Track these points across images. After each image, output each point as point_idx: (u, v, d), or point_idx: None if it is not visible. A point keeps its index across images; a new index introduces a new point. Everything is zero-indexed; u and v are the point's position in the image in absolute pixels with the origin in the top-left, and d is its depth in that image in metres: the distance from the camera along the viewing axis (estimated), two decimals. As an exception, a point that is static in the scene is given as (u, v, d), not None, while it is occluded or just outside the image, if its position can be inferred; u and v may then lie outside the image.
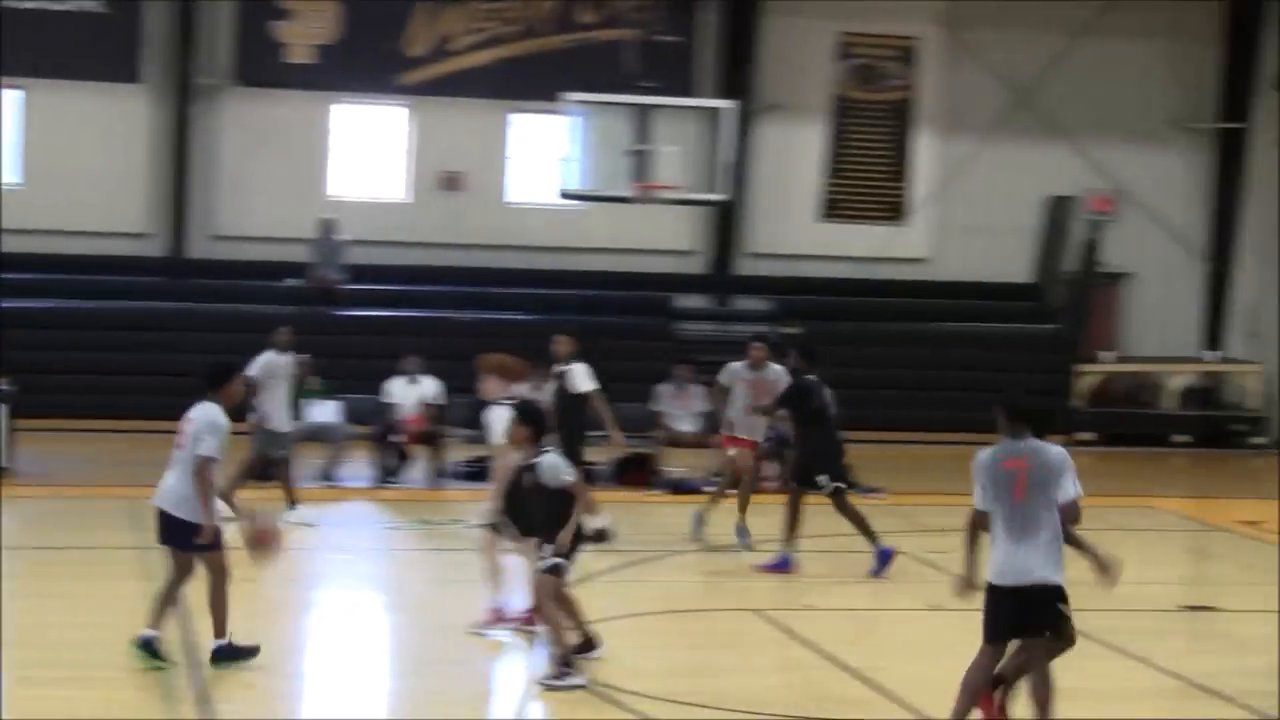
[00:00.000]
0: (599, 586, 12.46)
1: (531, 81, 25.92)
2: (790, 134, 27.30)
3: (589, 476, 16.89)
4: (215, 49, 25.81)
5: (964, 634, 12.93)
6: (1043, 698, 10.29)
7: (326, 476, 20.05)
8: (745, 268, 27.22)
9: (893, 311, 27.05)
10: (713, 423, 20.70)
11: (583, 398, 17.67)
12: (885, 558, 15.97)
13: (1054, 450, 10.13)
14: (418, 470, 20.66)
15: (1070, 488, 10.05)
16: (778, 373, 17.11)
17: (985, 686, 10.51)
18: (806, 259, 27.47)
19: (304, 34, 25.93)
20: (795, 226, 27.37)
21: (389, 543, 17.67)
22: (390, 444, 20.36)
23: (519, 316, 25.28)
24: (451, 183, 26.42)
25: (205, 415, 11.98)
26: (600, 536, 14.31)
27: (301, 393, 20.59)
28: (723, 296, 27.02)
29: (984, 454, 10.18)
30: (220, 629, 11.71)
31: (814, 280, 27.33)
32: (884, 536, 16.74)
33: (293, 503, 17.43)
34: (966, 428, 19.00)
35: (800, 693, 12.16)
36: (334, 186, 26.51)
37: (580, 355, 17.82)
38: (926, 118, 27.72)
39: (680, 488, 20.41)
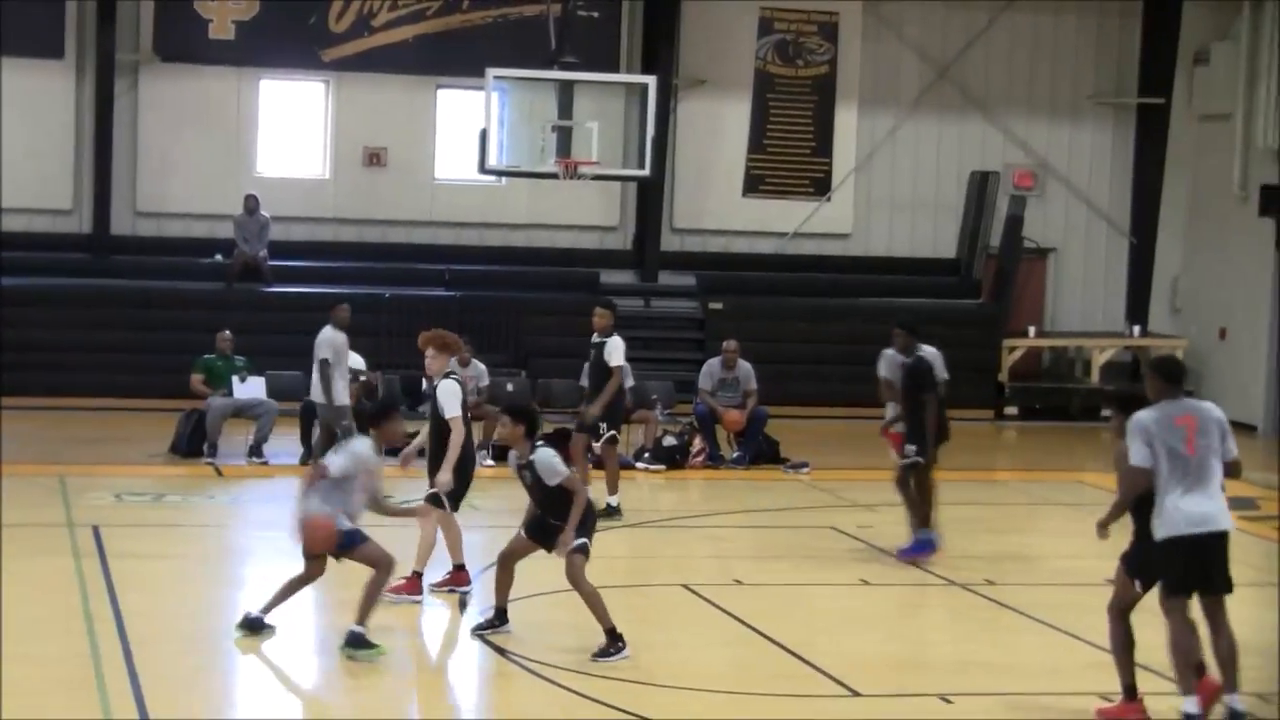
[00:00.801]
0: (531, 562, 12.43)
1: (454, 57, 25.77)
2: (714, 109, 27.27)
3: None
4: (138, 25, 25.54)
5: (892, 608, 13.05)
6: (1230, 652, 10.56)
7: (254, 453, 19.93)
8: (670, 243, 27.19)
9: (817, 287, 27.07)
10: (640, 397, 20.69)
11: (615, 370, 17.32)
12: (923, 547, 15.53)
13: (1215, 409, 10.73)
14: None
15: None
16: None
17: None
18: (731, 234, 27.48)
19: (226, 9, 25.67)
20: (719, 202, 27.36)
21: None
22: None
23: (444, 293, 25.22)
24: (376, 159, 26.28)
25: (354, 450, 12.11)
26: (611, 513, 14.34)
27: (230, 368, 20.51)
28: (647, 272, 26.97)
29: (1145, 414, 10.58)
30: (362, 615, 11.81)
31: (738, 256, 27.33)
32: (811, 512, 16.84)
33: None
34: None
35: (731, 667, 12.22)
36: (259, 163, 26.30)
37: (615, 328, 17.48)
38: (849, 93, 27.72)
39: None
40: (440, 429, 13.43)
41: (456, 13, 26.27)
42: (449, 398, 13.33)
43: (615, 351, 17.25)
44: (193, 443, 20.08)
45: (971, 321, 26.47)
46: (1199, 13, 27.75)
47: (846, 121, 27.75)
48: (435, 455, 13.48)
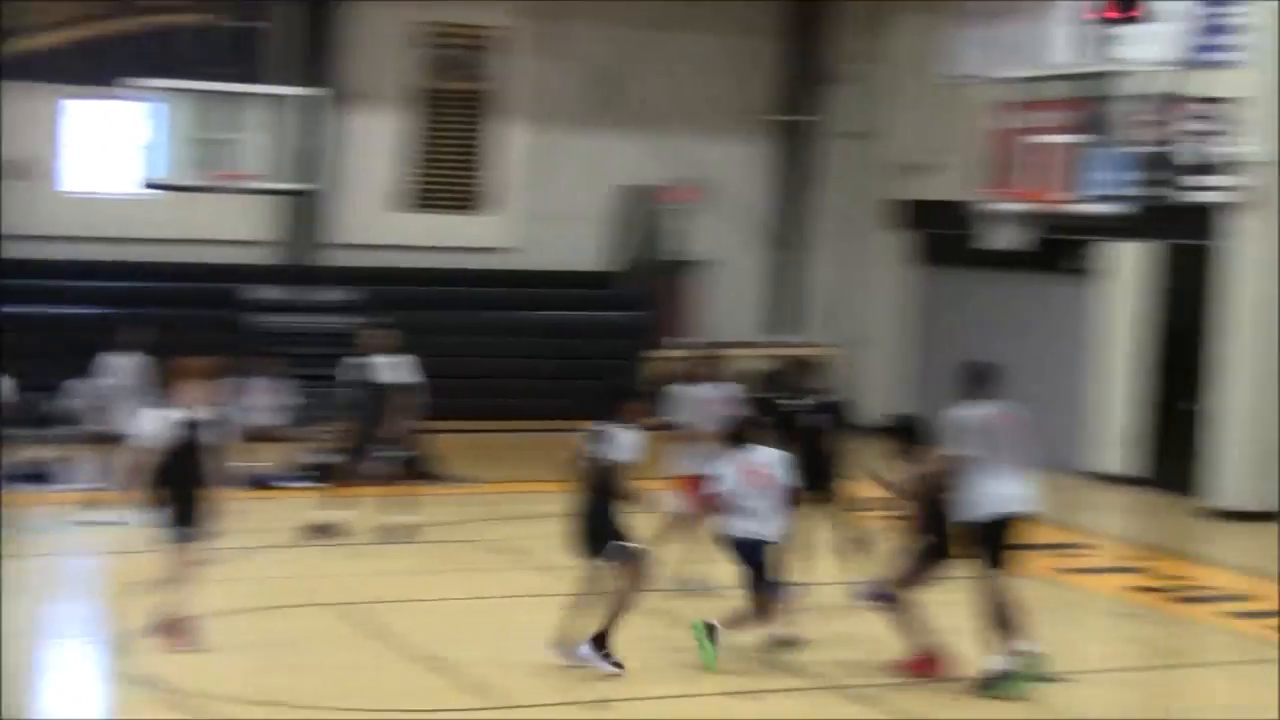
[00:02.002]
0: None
1: (94, 67, 24.88)
2: (373, 123, 27.30)
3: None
4: None
5: (549, 619, 13.34)
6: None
7: None
8: (327, 258, 27.12)
9: (477, 301, 27.31)
10: (302, 415, 20.59)
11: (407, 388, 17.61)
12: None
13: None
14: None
15: None
16: None
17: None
18: (390, 249, 27.48)
19: None
20: (378, 216, 27.40)
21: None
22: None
23: (83, 311, 24.32)
24: (19, 170, 25.27)
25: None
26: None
27: None
28: (302, 287, 26.74)
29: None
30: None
31: (397, 270, 27.37)
32: (470, 526, 17.03)
33: None
34: (552, 415, 19.63)
35: (376, 686, 12.25)
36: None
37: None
38: (509, 107, 28.07)
39: (263, 483, 20.17)
40: None
41: (97, 20, 25.59)
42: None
43: (407, 369, 17.48)
44: None
45: (629, 334, 27.03)
46: (841, 34, 28.79)
47: (507, 136, 28.08)
48: None
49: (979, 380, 12.76)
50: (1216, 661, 14.17)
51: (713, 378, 15.11)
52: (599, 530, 12.41)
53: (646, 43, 28.42)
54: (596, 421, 12.29)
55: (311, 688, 12.03)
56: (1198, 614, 15.48)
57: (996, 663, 12.32)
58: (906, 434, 12.90)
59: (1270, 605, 15.77)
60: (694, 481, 14.32)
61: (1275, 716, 12.23)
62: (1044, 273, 24.02)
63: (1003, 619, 12.33)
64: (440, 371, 24.56)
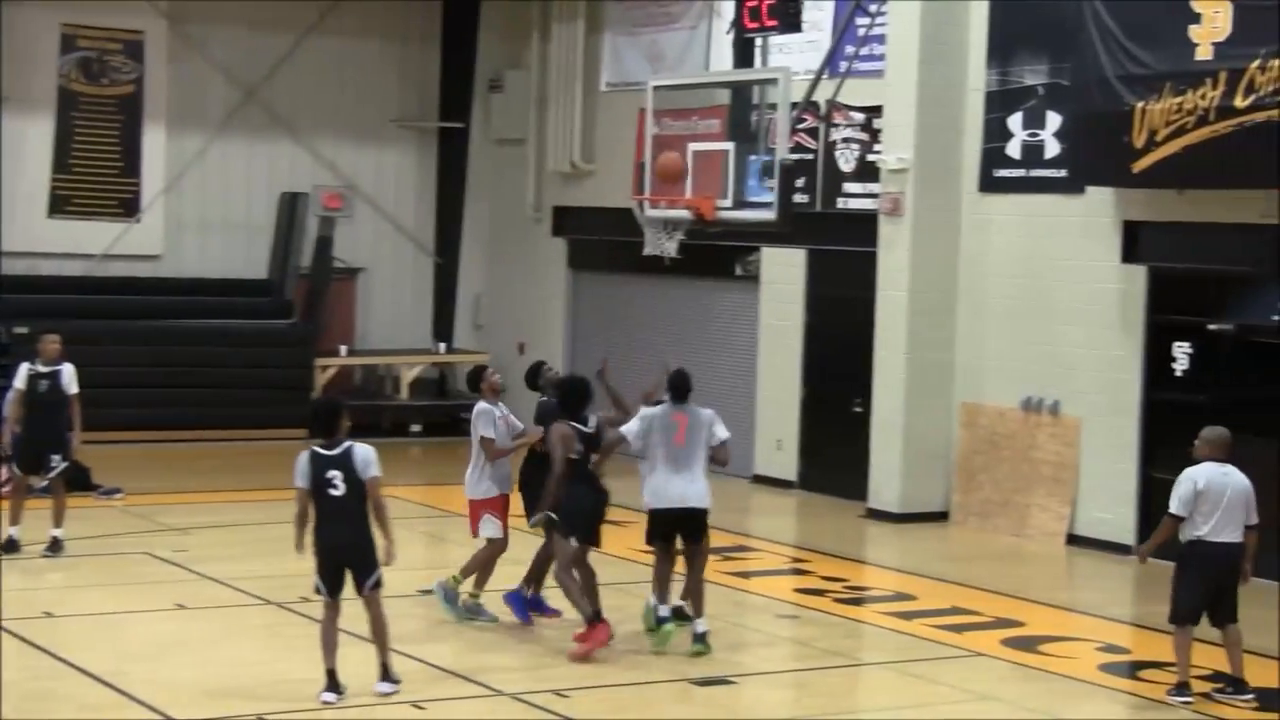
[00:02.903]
0: None
1: None
2: (16, 127, 26.50)
3: None
4: None
5: (210, 631, 13.16)
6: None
7: None
8: (-16, 266, 26.29)
9: (129, 309, 26.70)
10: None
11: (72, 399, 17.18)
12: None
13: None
14: None
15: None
16: None
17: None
18: (36, 256, 26.76)
19: None
20: (23, 223, 26.58)
21: None
22: None
23: None
24: None
25: None
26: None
27: None
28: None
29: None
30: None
31: (45, 278, 26.68)
32: (126, 538, 16.69)
33: None
34: (211, 424, 19.32)
35: (36, 701, 12.00)
36: None
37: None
38: (157, 113, 27.51)
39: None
40: None
41: None
42: None
43: (70, 378, 17.12)
44: None
45: (284, 342, 26.74)
46: (493, 41, 28.87)
47: (154, 141, 27.52)
48: None
49: (673, 387, 14.02)
50: (880, 661, 14.56)
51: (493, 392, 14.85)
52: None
53: (296, 48, 28.11)
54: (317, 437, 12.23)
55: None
56: (862, 614, 15.88)
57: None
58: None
59: (932, 604, 16.28)
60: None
61: (938, 716, 12.62)
62: (707, 279, 24.41)
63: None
64: (93, 381, 24.06)
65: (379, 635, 12.37)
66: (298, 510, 12.07)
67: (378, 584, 12.20)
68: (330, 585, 12.19)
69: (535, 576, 14.86)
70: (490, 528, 14.64)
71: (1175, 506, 12.79)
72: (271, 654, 13.76)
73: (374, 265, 29.19)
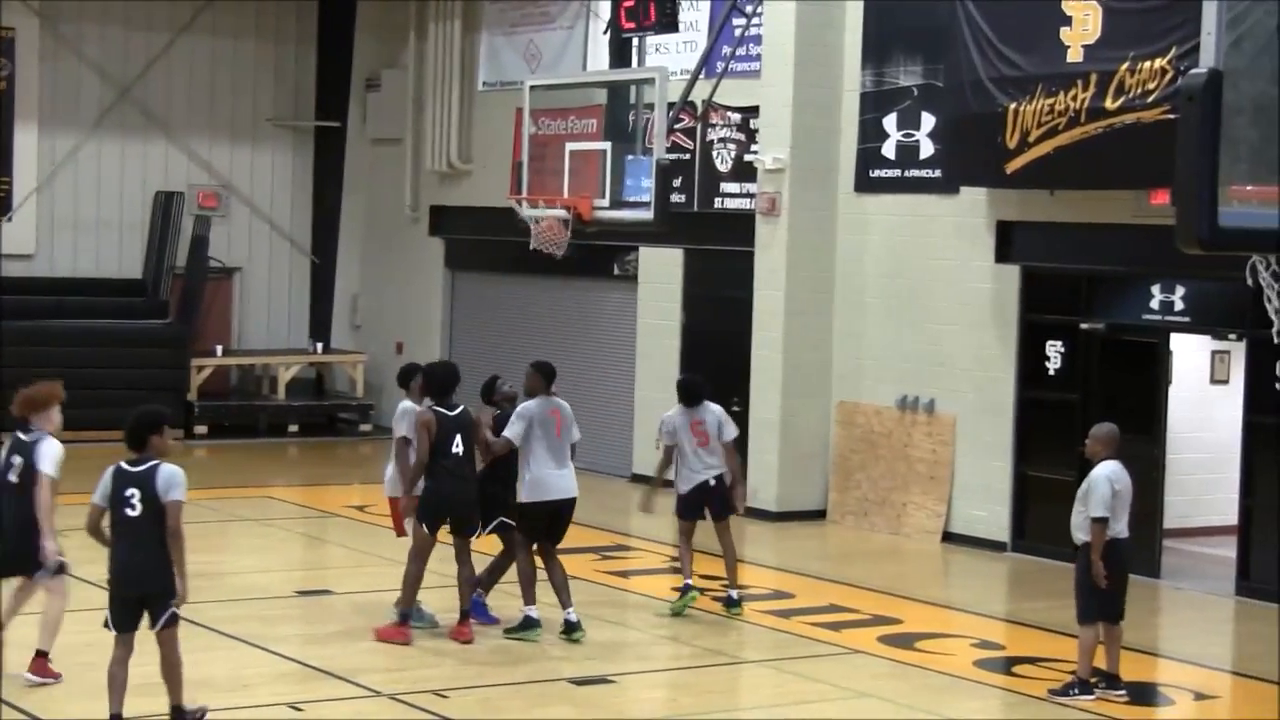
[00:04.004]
0: None
1: None
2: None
3: None
4: None
5: (80, 640, 12.96)
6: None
7: None
8: None
9: (1, 309, 26.34)
10: None
11: None
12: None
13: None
14: None
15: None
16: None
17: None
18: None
19: None
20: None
21: None
22: None
23: None
24: None
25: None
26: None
27: None
28: None
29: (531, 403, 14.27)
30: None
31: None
32: None
33: None
34: (84, 425, 18.86)
35: None
36: None
37: None
38: (28, 111, 27.19)
39: None
40: None
41: None
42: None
43: None
44: None
45: (160, 342, 26.48)
46: (370, 41, 28.77)
47: (26, 140, 27.20)
48: None
49: (545, 377, 14.45)
50: (759, 659, 14.64)
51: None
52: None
53: (171, 47, 27.89)
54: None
55: None
56: (742, 613, 15.95)
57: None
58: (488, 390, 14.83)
59: (809, 602, 16.40)
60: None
61: (816, 714, 12.71)
62: (586, 278, 24.43)
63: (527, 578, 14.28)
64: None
65: (170, 677, 11.13)
66: (87, 525, 11.05)
67: (173, 620, 10.93)
68: (119, 619, 10.99)
69: (487, 582, 14.87)
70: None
71: (1099, 509, 12.79)
72: (139, 658, 13.53)
73: (250, 265, 29.00)
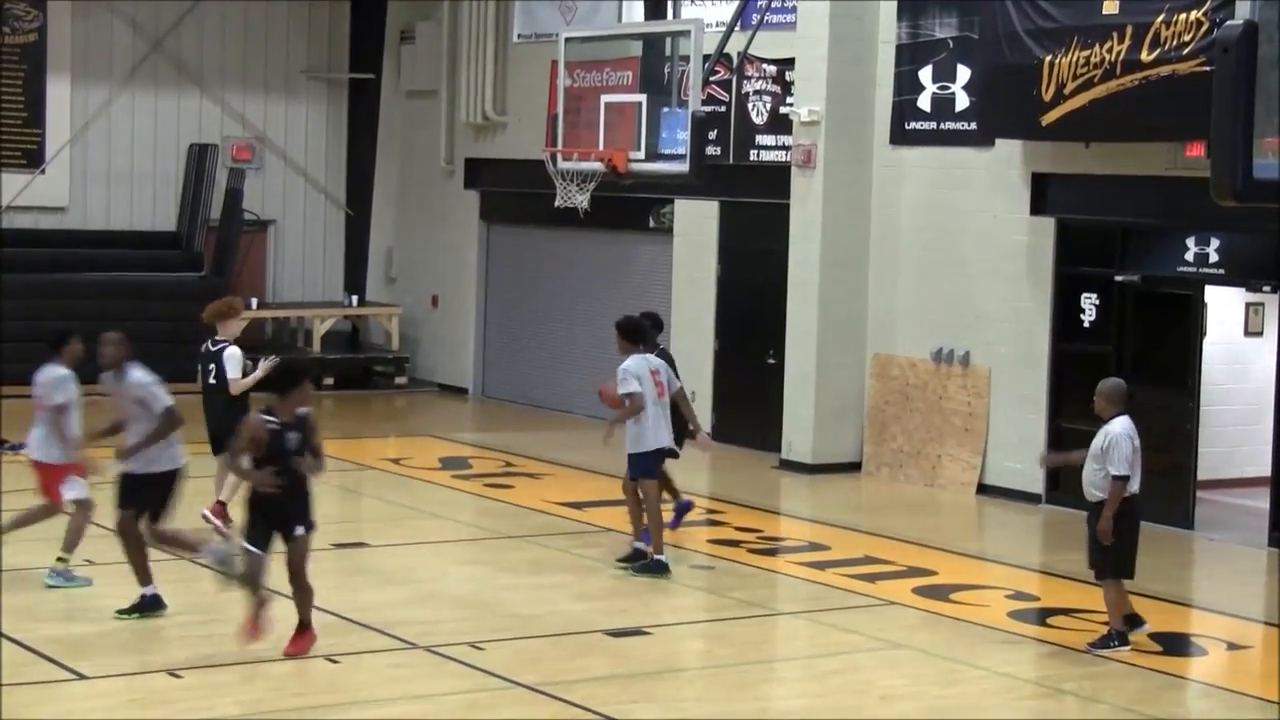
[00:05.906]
0: None
1: None
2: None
3: None
4: None
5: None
6: None
7: None
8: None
9: (34, 262, 26.44)
10: None
11: None
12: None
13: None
14: None
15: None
16: None
17: None
18: (-56, 209, 26.53)
19: None
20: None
21: None
22: None
23: None
24: None
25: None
26: None
27: None
28: None
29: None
30: None
31: (-43, 232, 26.41)
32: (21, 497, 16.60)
33: None
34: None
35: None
36: None
37: None
38: (61, 63, 27.23)
39: None
40: None
41: None
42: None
43: None
44: None
45: (194, 295, 26.41)
46: (403, -8, 28.74)
47: (59, 92, 27.25)
48: None
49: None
50: (794, 610, 14.70)
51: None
52: None
53: (199, 3, 27.85)
54: None
55: None
56: (776, 565, 16.00)
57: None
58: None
59: (845, 554, 16.44)
60: None
61: (851, 664, 12.77)
62: (622, 231, 24.43)
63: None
64: (2, 335, 23.86)
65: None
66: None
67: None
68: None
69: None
70: (76, 488, 14.22)
71: (1122, 468, 12.79)
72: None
73: (285, 218, 29.05)
